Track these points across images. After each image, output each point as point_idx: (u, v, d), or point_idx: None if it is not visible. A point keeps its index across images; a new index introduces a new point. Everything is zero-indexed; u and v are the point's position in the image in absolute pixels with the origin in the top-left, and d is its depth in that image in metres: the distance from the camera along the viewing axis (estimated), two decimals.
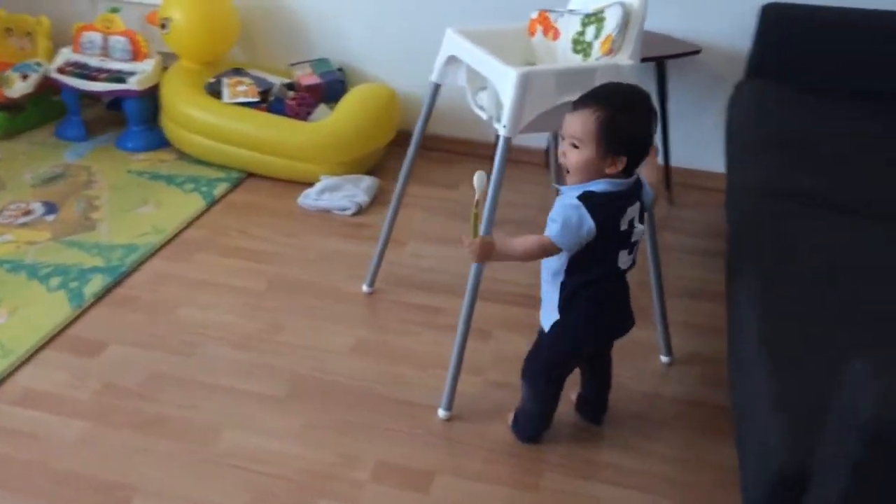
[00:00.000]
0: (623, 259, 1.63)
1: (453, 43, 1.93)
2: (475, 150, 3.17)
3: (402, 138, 3.11)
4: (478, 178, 1.58)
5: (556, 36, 1.95)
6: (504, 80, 1.72)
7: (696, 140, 2.95)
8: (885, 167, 2.12)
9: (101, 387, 1.96)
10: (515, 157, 2.75)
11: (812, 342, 1.41)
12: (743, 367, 1.43)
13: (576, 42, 1.90)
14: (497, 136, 1.78)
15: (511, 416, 1.86)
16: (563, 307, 1.66)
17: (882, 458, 0.94)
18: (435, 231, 2.69)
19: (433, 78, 2.02)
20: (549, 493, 1.72)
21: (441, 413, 1.90)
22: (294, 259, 2.50)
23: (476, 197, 1.58)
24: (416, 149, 2.16)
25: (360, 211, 2.78)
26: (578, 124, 1.54)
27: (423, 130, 2.12)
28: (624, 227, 1.59)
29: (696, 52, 2.68)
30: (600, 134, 1.53)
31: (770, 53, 2.65)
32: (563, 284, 1.65)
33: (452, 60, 1.97)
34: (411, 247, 2.58)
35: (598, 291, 1.64)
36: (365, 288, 2.35)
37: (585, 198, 1.55)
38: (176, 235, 2.61)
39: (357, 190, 2.83)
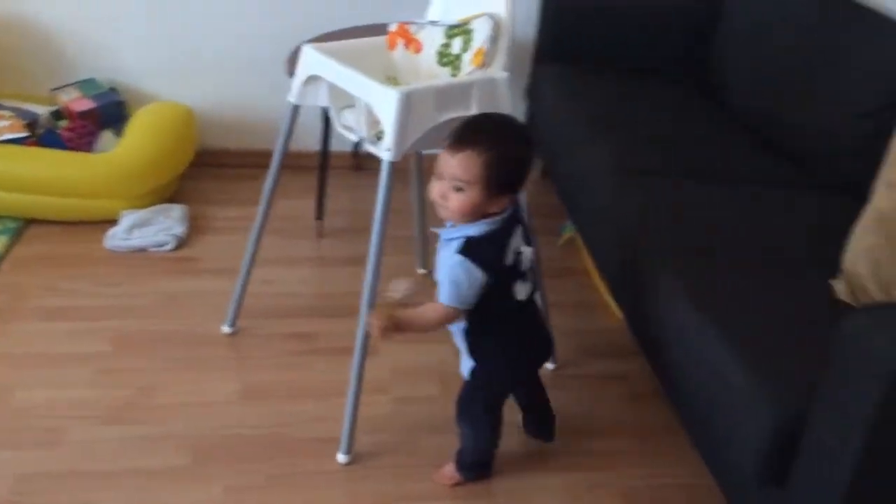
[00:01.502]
0: (519, 289, 1.58)
1: (315, 61, 1.84)
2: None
3: (198, 159, 2.91)
4: (403, 283, 1.56)
5: (418, 49, 1.94)
6: (384, 101, 1.65)
7: None
8: (694, 135, 2.41)
9: None
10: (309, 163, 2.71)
11: (739, 301, 1.59)
12: (687, 340, 1.57)
13: (441, 55, 1.90)
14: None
15: (451, 466, 1.78)
16: (473, 352, 1.64)
17: None
18: (271, 254, 2.55)
19: (292, 99, 1.91)
20: (504, 494, 1.77)
21: (340, 458, 1.81)
22: (131, 310, 2.24)
23: (398, 296, 1.55)
24: (278, 171, 2.04)
25: (181, 244, 2.56)
26: (462, 166, 1.46)
27: (283, 153, 2.01)
28: (509, 260, 1.54)
29: None
30: (488, 176, 1.46)
31: (555, 39, 2.85)
32: (466, 331, 1.63)
33: (312, 79, 1.87)
34: (253, 274, 2.42)
35: (503, 330, 1.62)
36: (226, 328, 2.18)
37: (466, 250, 1.50)
38: None
39: (170, 221, 2.59)
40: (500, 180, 1.48)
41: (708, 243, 1.83)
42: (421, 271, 2.52)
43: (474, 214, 1.51)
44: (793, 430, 1.29)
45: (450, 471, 1.78)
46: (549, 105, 2.64)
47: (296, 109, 1.94)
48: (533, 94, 2.82)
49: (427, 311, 1.56)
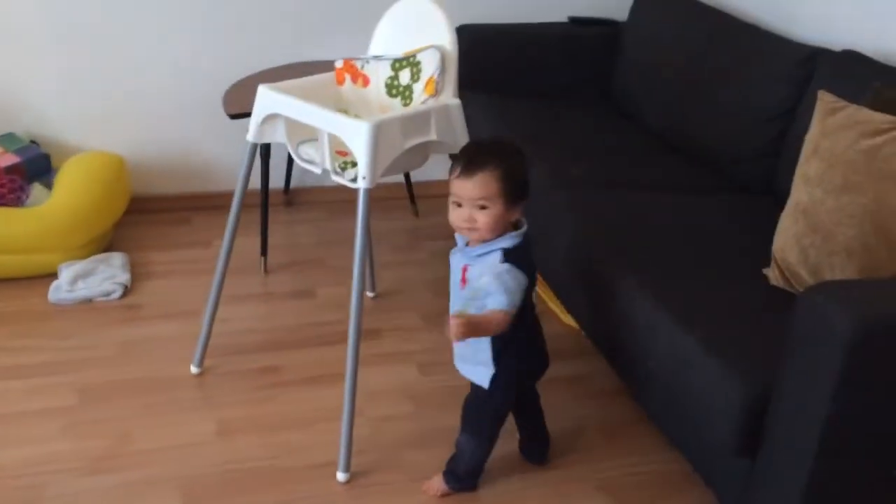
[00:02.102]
0: (533, 295, 1.74)
1: (272, 100, 1.91)
2: (207, 203, 3.07)
3: (131, 205, 2.90)
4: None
5: (366, 83, 2.04)
6: (355, 133, 1.75)
7: None
8: (616, 150, 2.61)
9: None
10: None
11: (690, 294, 1.76)
12: (651, 334, 1.72)
13: (389, 87, 2.01)
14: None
15: (439, 479, 1.85)
16: (497, 357, 1.71)
17: (863, 363, 1.29)
18: (222, 292, 2.57)
19: (250, 138, 1.97)
20: (490, 498, 1.86)
21: (340, 476, 1.86)
22: (89, 361, 2.22)
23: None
24: (239, 210, 2.07)
25: (127, 291, 2.54)
26: (482, 187, 1.60)
27: (244, 193, 2.05)
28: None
29: None
30: (504, 189, 1.62)
31: (472, 68, 3.00)
32: (493, 338, 1.69)
33: (270, 118, 1.94)
34: (208, 314, 2.44)
35: (525, 334, 1.73)
36: (194, 369, 2.19)
37: (510, 258, 1.63)
38: None
39: (113, 270, 2.57)
40: (515, 190, 1.64)
41: (650, 245, 2.00)
42: (370, 294, 2.60)
43: (501, 227, 1.65)
44: (761, 403, 1.46)
45: (438, 483, 1.85)
46: (477, 131, 2.78)
47: (255, 148, 1.99)
48: None
49: (493, 318, 1.61)
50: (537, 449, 1.97)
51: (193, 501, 1.80)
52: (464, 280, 1.70)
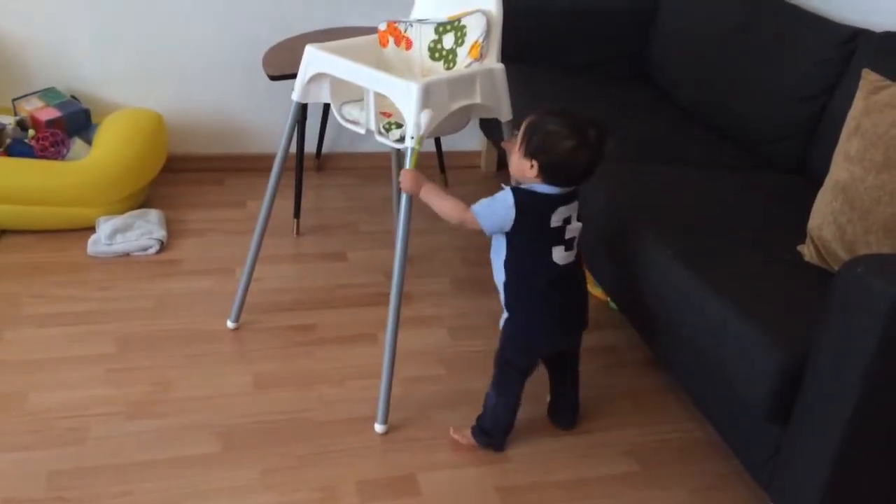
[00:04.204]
0: (558, 255, 1.73)
1: (319, 60, 1.93)
2: (240, 165, 3.11)
3: (166, 164, 2.93)
4: (425, 114, 1.72)
5: (409, 46, 2.06)
6: (404, 93, 1.78)
7: None
8: (649, 124, 2.63)
9: None
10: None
11: (726, 265, 1.79)
12: (687, 301, 1.74)
13: (433, 50, 2.04)
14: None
15: (469, 433, 1.90)
16: (508, 304, 1.78)
17: None
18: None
19: (296, 97, 2.00)
20: (519, 458, 1.90)
21: (378, 428, 1.92)
22: (128, 312, 2.27)
23: (421, 132, 1.74)
24: (280, 172, 2.10)
25: (163, 247, 2.59)
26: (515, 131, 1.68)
27: (286, 153, 2.08)
28: (556, 223, 1.70)
29: None
30: (524, 135, 1.68)
31: (504, 38, 3.01)
32: (506, 284, 1.77)
33: (315, 78, 1.97)
34: (243, 272, 2.48)
35: (539, 289, 1.76)
36: (230, 324, 2.24)
37: (516, 189, 1.71)
38: None
39: (150, 225, 2.62)
40: (529, 142, 1.67)
41: (682, 218, 2.02)
42: None
43: (516, 173, 1.72)
44: (796, 368, 1.48)
45: (465, 433, 1.90)
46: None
47: (299, 108, 2.02)
48: None
49: (454, 203, 1.75)
50: (564, 413, 2.00)
51: (232, 448, 1.85)
52: None
